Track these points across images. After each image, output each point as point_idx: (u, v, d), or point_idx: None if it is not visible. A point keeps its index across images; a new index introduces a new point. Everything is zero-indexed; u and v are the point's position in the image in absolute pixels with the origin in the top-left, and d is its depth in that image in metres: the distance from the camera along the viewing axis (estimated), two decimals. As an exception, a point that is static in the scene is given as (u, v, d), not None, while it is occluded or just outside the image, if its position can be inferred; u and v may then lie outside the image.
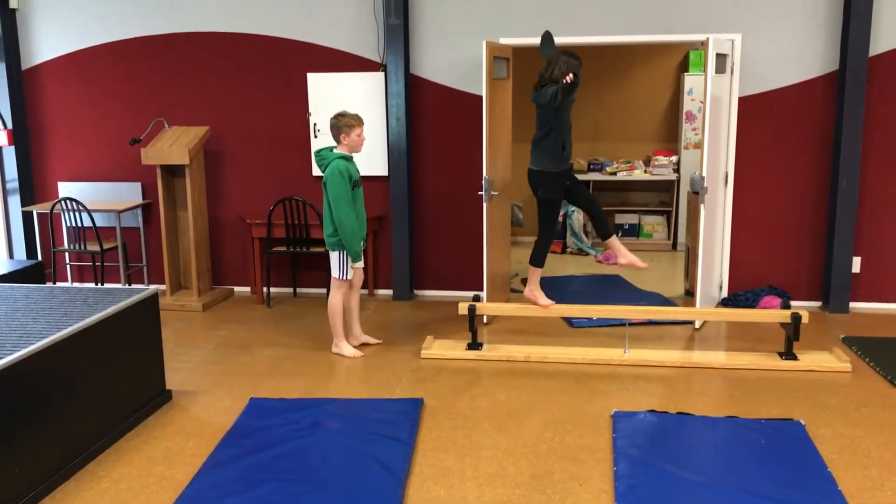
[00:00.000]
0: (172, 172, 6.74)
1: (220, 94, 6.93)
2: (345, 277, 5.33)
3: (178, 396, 4.75)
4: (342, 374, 5.13)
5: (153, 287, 4.63)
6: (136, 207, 7.06)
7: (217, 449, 4.01)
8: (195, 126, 6.81)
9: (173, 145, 6.53)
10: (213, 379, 5.06)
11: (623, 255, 5.55)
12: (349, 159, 5.21)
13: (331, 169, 5.13)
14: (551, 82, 5.20)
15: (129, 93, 7.03)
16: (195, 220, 6.69)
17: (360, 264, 5.35)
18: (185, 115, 6.95)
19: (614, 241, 5.57)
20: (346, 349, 5.45)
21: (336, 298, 5.39)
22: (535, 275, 5.63)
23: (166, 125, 6.82)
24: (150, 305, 4.55)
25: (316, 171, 6.87)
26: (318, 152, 5.29)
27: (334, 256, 5.31)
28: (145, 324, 4.53)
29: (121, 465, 3.89)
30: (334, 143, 5.27)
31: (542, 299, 5.56)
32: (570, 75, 4.92)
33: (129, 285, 6.99)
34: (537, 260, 5.60)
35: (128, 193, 7.18)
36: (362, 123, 5.25)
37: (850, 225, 6.21)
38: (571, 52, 5.32)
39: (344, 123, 5.17)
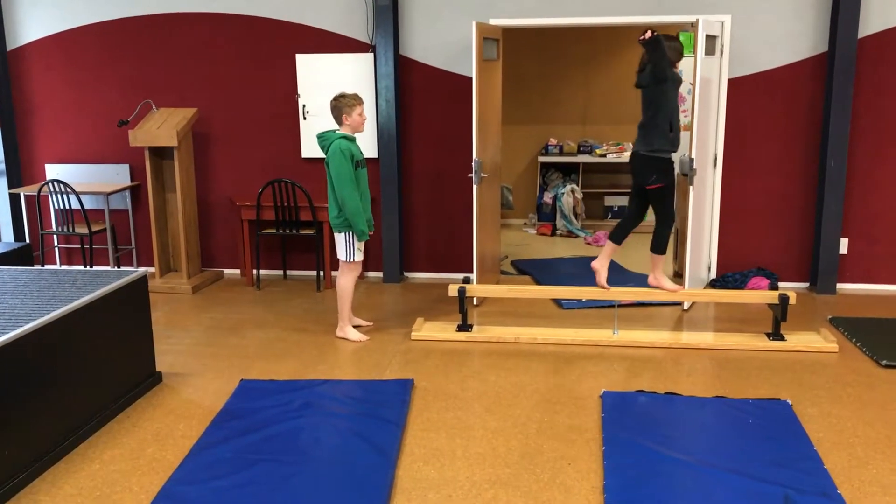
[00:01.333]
0: (161, 154, 6.70)
1: (208, 76, 6.88)
2: (352, 259, 5.31)
3: (168, 378, 4.75)
4: (332, 356, 5.14)
5: (142, 269, 4.61)
6: (124, 189, 7.02)
7: (207, 430, 4.01)
8: (183, 108, 6.77)
9: (161, 127, 6.49)
10: (204, 361, 5.06)
11: (654, 276, 5.42)
12: (351, 139, 5.20)
13: (332, 148, 5.11)
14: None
15: (117, 74, 6.98)
16: (184, 202, 6.66)
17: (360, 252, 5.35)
18: (173, 97, 6.91)
19: (658, 259, 5.41)
20: (352, 334, 5.44)
21: (346, 282, 5.38)
22: (659, 262, 5.43)
23: (154, 107, 6.77)
24: (139, 288, 4.54)
25: (305, 153, 6.86)
26: (319, 134, 5.26)
27: (340, 238, 5.29)
28: (134, 306, 4.52)
29: (111, 447, 3.89)
30: (336, 126, 5.25)
31: (669, 283, 5.42)
32: (649, 32, 4.87)
33: (118, 268, 6.97)
34: (661, 247, 5.38)
35: (116, 175, 7.14)
36: (362, 102, 5.23)
37: (837, 206, 6.24)
38: (673, 36, 5.25)
39: (344, 104, 5.16)
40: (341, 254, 5.32)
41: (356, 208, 5.13)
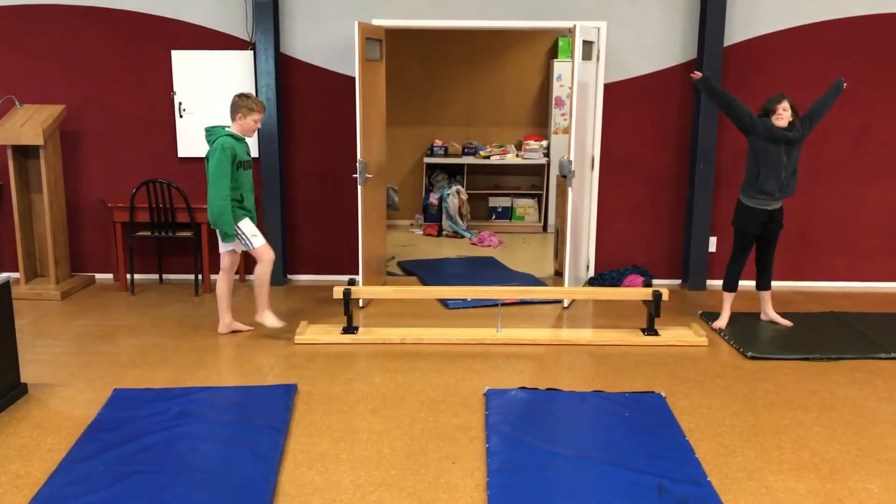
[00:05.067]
0: (25, 153, 6.34)
1: (77, 71, 6.56)
2: (253, 246, 5.21)
3: (34, 390, 4.49)
4: (212, 363, 4.99)
5: (5, 275, 4.34)
6: (-16, 190, 6.61)
7: (78, 443, 3.81)
8: (50, 105, 6.42)
9: (25, 125, 6.13)
10: (73, 370, 4.81)
11: (765, 313, 5.76)
12: (238, 139, 5.09)
13: (216, 144, 5.01)
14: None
15: (-25, 67, 6.56)
16: (51, 203, 6.32)
17: (229, 247, 5.27)
18: (39, 93, 6.54)
19: (766, 295, 5.72)
20: (269, 319, 5.38)
21: (261, 268, 5.27)
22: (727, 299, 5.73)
23: (17, 103, 6.40)
24: (1, 294, 4.27)
25: (182, 153, 6.65)
26: (208, 128, 5.15)
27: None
28: (-4, 314, 4.26)
29: (-30, 465, 3.65)
30: (229, 122, 5.16)
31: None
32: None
33: (-21, 274, 6.54)
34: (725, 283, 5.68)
35: (-25, 175, 6.72)
36: (263, 111, 5.17)
37: (706, 206, 6.55)
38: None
39: (244, 104, 5.08)
40: (240, 246, 5.24)
41: (222, 207, 5.04)
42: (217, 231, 5.17)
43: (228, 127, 5.14)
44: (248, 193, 5.22)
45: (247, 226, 5.20)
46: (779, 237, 5.57)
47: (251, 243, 5.22)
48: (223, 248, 5.29)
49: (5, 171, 6.44)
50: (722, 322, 5.65)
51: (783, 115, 5.24)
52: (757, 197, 5.37)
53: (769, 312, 5.72)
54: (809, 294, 6.61)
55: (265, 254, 5.28)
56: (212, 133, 5.11)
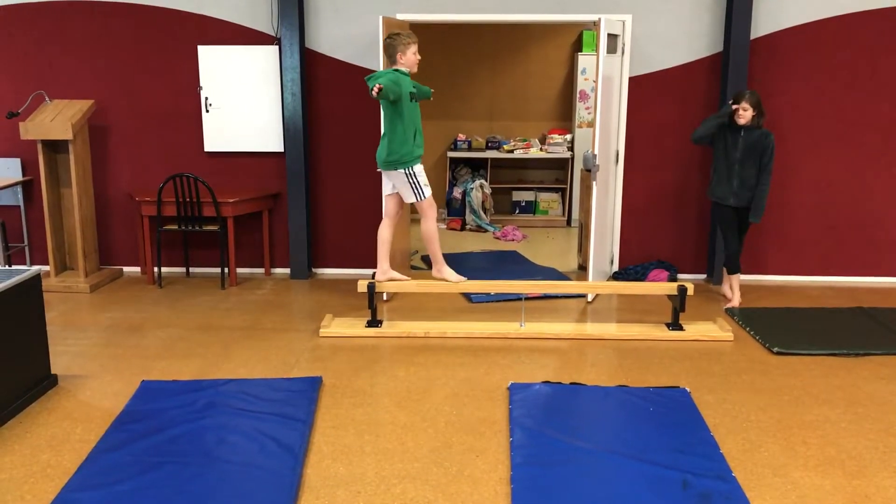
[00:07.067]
0: (55, 148, 6.42)
1: (105, 67, 6.63)
2: (423, 197, 5.18)
3: (64, 381, 4.57)
4: (238, 355, 5.04)
5: (35, 268, 4.42)
6: (15, 185, 6.70)
7: (107, 434, 3.87)
8: (79, 100, 6.50)
9: (55, 119, 6.22)
10: (102, 362, 4.88)
11: (733, 297, 5.99)
12: (404, 73, 5.08)
13: (386, 77, 4.94)
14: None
15: (6, 63, 6.64)
16: (80, 197, 6.40)
17: (389, 188, 5.23)
18: (68, 88, 6.63)
19: (734, 278, 6.00)
20: (449, 274, 5.38)
21: (429, 225, 5.27)
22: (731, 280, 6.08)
23: (47, 98, 6.48)
24: (32, 287, 4.34)
25: (208, 147, 6.70)
26: (368, 76, 5.08)
27: (399, 179, 5.15)
28: (27, 306, 4.32)
29: (1, 455, 3.71)
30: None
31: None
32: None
33: (9, 266, 6.65)
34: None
35: (6, 170, 6.81)
36: (417, 41, 5.14)
37: (732, 201, 6.49)
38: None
39: (399, 42, 5.04)
40: (409, 196, 5.20)
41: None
42: (402, 172, 5.12)
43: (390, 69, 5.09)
44: (420, 129, 5.19)
45: (422, 174, 5.13)
46: (746, 229, 5.91)
47: (423, 193, 5.15)
48: (386, 189, 5.19)
49: (35, 166, 6.53)
50: (734, 301, 5.95)
51: (743, 115, 5.52)
52: (715, 193, 5.82)
53: (737, 297, 5.99)
54: (838, 289, 6.54)
55: (430, 208, 5.25)
56: (377, 76, 5.02)
